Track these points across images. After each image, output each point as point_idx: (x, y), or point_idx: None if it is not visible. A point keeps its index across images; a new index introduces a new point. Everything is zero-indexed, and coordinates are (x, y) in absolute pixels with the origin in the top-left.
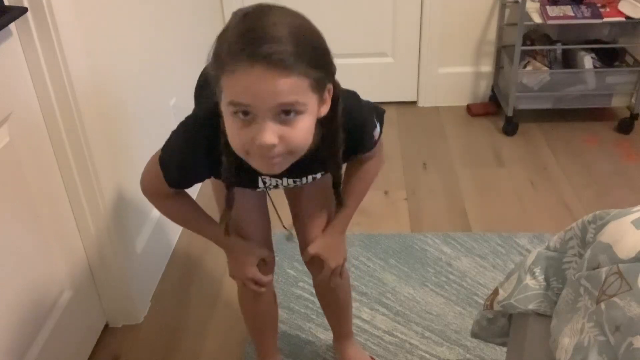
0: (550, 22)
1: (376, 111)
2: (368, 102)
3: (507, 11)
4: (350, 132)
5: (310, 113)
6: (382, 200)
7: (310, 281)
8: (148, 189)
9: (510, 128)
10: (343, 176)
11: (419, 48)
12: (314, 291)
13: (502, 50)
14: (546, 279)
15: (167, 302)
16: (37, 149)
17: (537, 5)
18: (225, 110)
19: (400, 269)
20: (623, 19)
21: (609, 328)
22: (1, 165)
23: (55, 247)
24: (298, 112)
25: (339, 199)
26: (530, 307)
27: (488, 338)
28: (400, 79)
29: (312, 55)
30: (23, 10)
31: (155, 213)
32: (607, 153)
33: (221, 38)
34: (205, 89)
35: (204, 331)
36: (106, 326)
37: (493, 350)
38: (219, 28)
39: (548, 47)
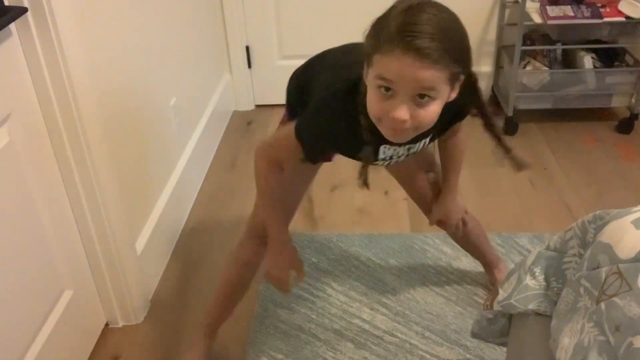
0: (550, 22)
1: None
2: None
3: (507, 11)
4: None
5: (441, 99)
6: (382, 200)
7: (310, 281)
8: (268, 158)
9: (510, 128)
10: (439, 153)
11: None
12: (314, 291)
13: (502, 50)
14: (546, 279)
15: (167, 302)
16: (37, 149)
17: (537, 5)
18: (371, 80)
19: (400, 269)
20: (623, 19)
21: (609, 328)
22: (1, 165)
23: (55, 247)
24: (431, 98)
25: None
26: (530, 307)
27: (488, 338)
28: None
29: (455, 52)
30: (23, 10)
31: (156, 213)
32: (607, 153)
33: (381, 23)
34: (310, 87)
35: None
36: (106, 326)
37: (493, 350)
38: (219, 28)
39: (548, 47)
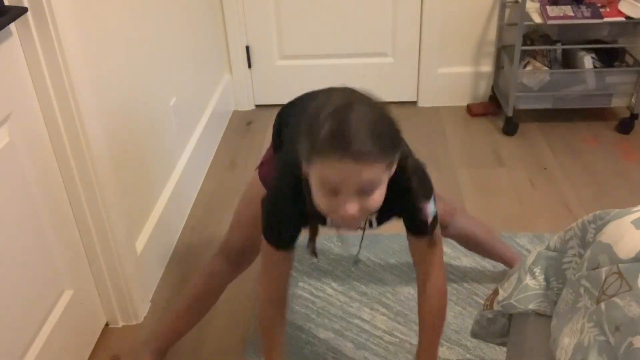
0: (550, 22)
1: (434, 194)
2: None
3: (507, 11)
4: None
5: (384, 183)
6: None
7: (310, 281)
8: (264, 268)
9: (510, 128)
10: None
11: (419, 48)
12: (314, 291)
13: (502, 50)
14: (546, 279)
15: (167, 302)
16: (37, 149)
17: (537, 5)
18: (313, 179)
19: (400, 269)
20: (623, 19)
21: (609, 328)
22: (1, 165)
23: (55, 247)
24: (375, 189)
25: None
26: (530, 307)
27: (488, 338)
28: (400, 79)
29: (389, 143)
30: (23, 10)
31: (155, 213)
32: (607, 153)
33: (313, 125)
34: (283, 132)
35: (203, 331)
36: (106, 326)
37: (493, 350)
38: (219, 28)
39: (548, 47)
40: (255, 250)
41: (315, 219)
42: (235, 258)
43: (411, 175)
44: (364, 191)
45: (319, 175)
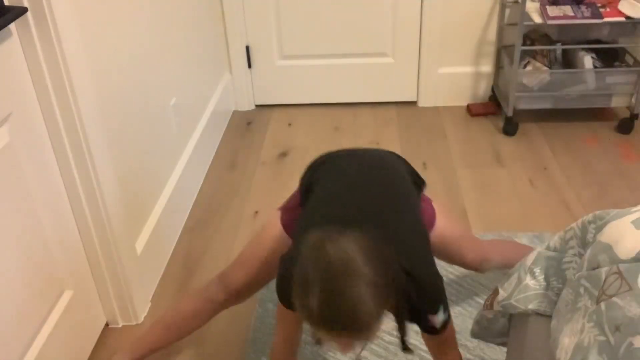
0: (550, 22)
1: (443, 303)
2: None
3: (507, 11)
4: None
5: (379, 326)
6: None
7: None
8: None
9: (510, 128)
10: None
11: (419, 48)
12: None
13: (502, 50)
14: (546, 279)
15: (167, 302)
16: (37, 149)
17: (537, 5)
18: None
19: None
20: (623, 19)
21: (609, 328)
22: (1, 165)
23: (55, 247)
24: (369, 337)
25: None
26: (530, 307)
27: (488, 338)
28: (400, 79)
29: (382, 299)
30: (23, 10)
31: (155, 213)
32: (607, 153)
33: (303, 295)
34: (311, 191)
35: (203, 331)
36: (106, 326)
37: (493, 350)
38: (219, 28)
39: (548, 47)
40: (256, 289)
41: None
42: (235, 293)
43: (415, 292)
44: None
45: (312, 329)
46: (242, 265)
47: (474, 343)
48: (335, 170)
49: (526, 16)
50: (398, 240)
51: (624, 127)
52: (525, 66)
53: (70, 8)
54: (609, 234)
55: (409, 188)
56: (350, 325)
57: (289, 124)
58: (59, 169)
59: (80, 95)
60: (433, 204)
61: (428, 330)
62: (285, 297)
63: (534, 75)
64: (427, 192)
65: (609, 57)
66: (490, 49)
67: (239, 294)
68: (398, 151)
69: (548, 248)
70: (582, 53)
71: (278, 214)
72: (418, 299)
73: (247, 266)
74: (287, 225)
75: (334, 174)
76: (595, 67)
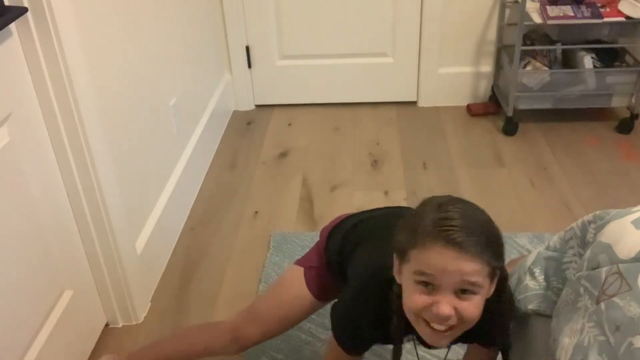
0: (550, 22)
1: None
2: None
3: (507, 11)
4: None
5: (483, 294)
6: (382, 200)
7: None
8: None
9: (510, 128)
10: None
11: (419, 48)
12: None
13: (502, 50)
14: (546, 279)
15: (167, 302)
16: (37, 149)
17: (537, 5)
18: (407, 276)
19: None
20: (623, 19)
21: (609, 328)
22: (1, 165)
23: (55, 248)
24: (474, 292)
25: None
26: (531, 307)
27: None
28: (400, 79)
29: (495, 248)
30: (23, 10)
31: (156, 213)
32: (607, 153)
33: (414, 220)
34: (347, 244)
35: None
36: (106, 326)
37: None
38: (219, 28)
39: (548, 47)
40: (269, 338)
41: (397, 334)
42: (245, 345)
43: (504, 306)
44: (462, 291)
45: (417, 264)
46: (257, 322)
47: None
48: (372, 229)
49: (526, 16)
50: None
51: (624, 127)
52: (525, 66)
53: (70, 8)
54: (609, 234)
55: None
56: (464, 243)
57: (289, 124)
58: (59, 169)
59: (80, 95)
60: None
61: (491, 342)
62: (349, 333)
63: (534, 75)
64: (427, 192)
65: (609, 57)
66: (490, 49)
67: (250, 346)
68: (398, 151)
69: (548, 248)
70: (582, 53)
71: (300, 272)
72: (508, 314)
73: (263, 324)
74: (310, 282)
75: (375, 233)
76: (595, 67)
